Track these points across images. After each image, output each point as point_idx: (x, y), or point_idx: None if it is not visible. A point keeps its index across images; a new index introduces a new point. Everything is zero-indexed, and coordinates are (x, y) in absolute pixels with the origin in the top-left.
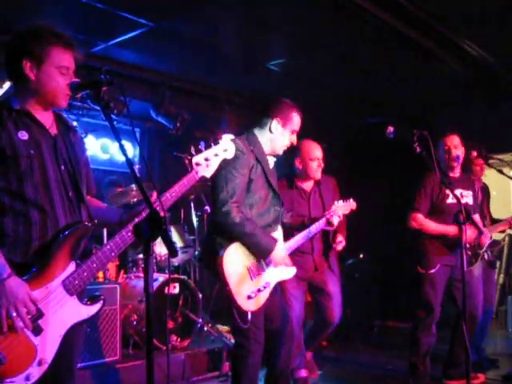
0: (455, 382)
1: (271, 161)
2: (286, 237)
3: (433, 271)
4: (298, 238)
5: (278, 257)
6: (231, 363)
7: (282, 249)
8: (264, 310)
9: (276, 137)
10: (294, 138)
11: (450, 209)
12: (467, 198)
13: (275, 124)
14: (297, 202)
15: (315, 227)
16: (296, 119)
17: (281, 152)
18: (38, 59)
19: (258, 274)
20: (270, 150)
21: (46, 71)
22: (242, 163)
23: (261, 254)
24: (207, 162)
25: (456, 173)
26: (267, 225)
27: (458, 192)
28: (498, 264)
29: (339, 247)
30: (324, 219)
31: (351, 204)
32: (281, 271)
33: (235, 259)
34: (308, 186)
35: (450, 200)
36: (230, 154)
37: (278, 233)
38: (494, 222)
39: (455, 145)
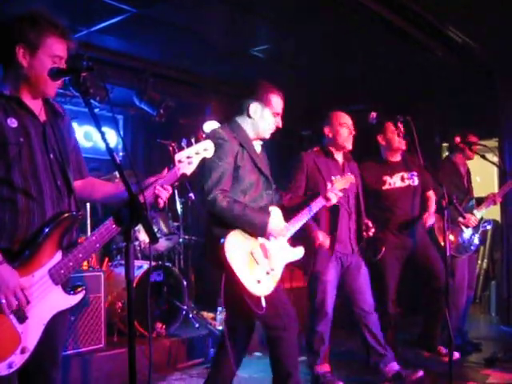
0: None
1: (258, 146)
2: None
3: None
4: (300, 217)
5: (276, 228)
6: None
7: (279, 222)
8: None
9: (257, 121)
10: (279, 121)
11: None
12: (410, 180)
13: (253, 108)
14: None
15: (315, 205)
16: (275, 100)
17: (267, 136)
18: (33, 46)
19: (264, 257)
20: (255, 135)
21: (40, 59)
22: (225, 151)
23: (258, 231)
24: (188, 159)
25: (395, 157)
26: (260, 208)
27: (398, 176)
28: (481, 249)
29: (370, 233)
30: (321, 197)
31: (349, 178)
32: (287, 252)
33: (237, 246)
34: (339, 157)
35: (387, 186)
36: (209, 154)
37: (275, 214)
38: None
39: (392, 130)
